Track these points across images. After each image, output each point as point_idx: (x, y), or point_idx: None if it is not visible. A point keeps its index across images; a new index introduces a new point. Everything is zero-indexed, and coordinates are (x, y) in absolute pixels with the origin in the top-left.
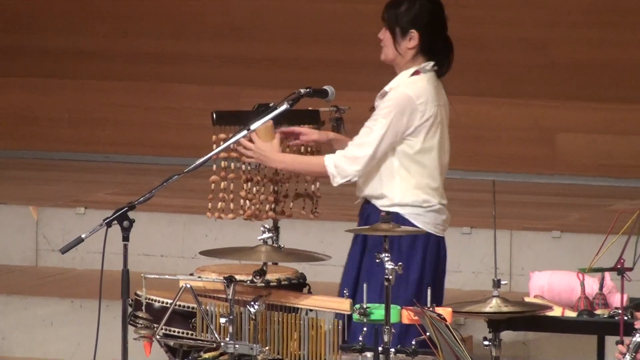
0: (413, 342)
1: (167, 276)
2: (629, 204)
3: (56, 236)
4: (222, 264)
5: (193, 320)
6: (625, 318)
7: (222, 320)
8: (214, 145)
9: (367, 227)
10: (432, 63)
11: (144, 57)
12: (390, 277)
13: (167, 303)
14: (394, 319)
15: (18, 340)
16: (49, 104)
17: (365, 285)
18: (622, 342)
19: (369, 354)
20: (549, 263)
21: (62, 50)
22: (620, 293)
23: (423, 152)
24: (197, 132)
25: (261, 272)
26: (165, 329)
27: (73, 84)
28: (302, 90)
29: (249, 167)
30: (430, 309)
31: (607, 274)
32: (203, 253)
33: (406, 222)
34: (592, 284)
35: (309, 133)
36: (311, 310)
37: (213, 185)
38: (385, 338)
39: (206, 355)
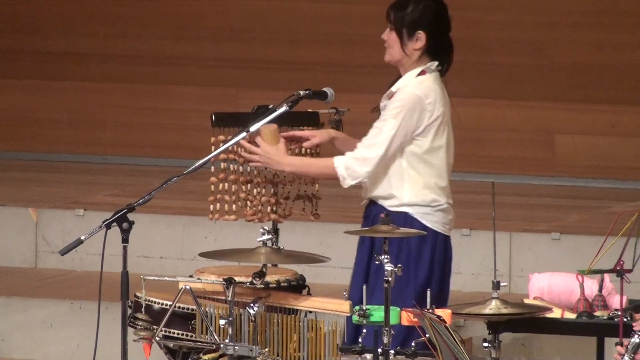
0: (412, 344)
1: (166, 278)
2: (628, 206)
3: (56, 238)
4: (222, 266)
5: (192, 322)
6: (625, 320)
7: (222, 321)
8: (213, 147)
9: (366, 229)
10: (436, 63)
11: (144, 59)
12: (390, 278)
13: (166, 305)
14: (393, 320)
15: (18, 341)
16: (49, 106)
17: (364, 286)
18: (621, 344)
19: (368, 356)
20: (548, 265)
21: (62, 51)
22: (619, 295)
23: (431, 151)
24: (197, 133)
25: (261, 274)
26: (165, 331)
27: (73, 86)
28: (302, 92)
29: (247, 169)
30: (430, 310)
31: (606, 276)
32: (202, 255)
33: (415, 221)
34: (591, 286)
35: (311, 138)
36: (310, 311)
37: (212, 187)
38: (385, 340)
39: (206, 357)
